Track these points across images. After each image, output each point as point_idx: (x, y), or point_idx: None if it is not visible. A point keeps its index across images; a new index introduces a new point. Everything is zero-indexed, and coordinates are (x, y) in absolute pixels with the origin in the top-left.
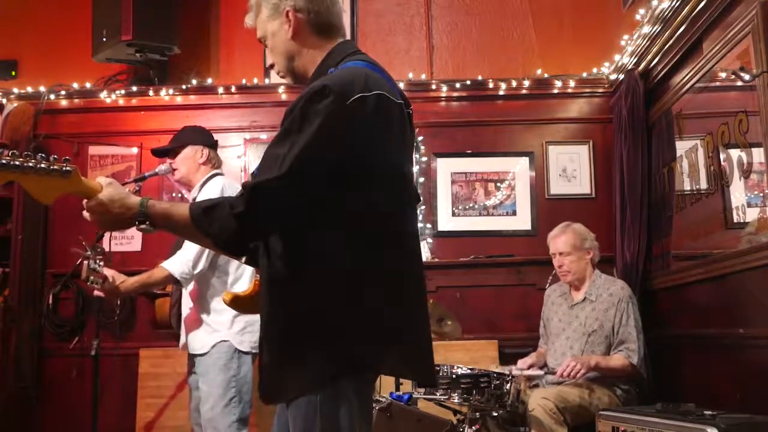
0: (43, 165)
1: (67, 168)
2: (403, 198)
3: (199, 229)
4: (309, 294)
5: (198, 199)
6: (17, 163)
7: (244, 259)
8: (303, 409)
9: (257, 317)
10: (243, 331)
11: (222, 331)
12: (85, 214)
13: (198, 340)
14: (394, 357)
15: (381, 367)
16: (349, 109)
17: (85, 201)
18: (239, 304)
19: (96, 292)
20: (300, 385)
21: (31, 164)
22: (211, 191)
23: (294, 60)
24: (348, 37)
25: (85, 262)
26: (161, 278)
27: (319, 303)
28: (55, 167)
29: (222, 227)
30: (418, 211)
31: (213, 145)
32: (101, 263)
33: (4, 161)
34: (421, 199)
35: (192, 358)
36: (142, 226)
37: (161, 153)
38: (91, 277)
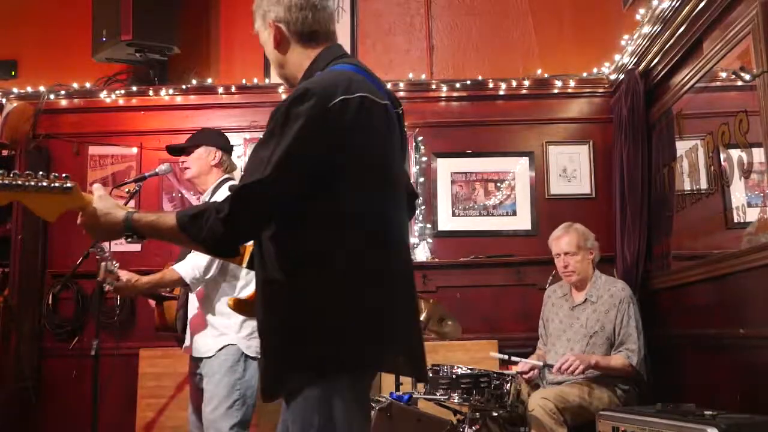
0: (44, 183)
1: (68, 185)
2: (391, 197)
3: (189, 236)
4: (300, 294)
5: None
6: (19, 182)
7: (245, 263)
8: (300, 407)
9: None
10: (250, 336)
11: (229, 335)
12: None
13: (204, 343)
14: (385, 354)
15: (374, 364)
16: (331, 111)
17: (80, 215)
18: (243, 307)
19: (107, 287)
20: (294, 381)
21: (32, 183)
22: (222, 196)
23: (283, 68)
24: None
25: (102, 263)
26: (172, 280)
27: (309, 302)
28: (56, 185)
29: (210, 232)
30: (416, 209)
31: (227, 149)
32: (116, 264)
33: (6, 182)
34: (419, 196)
35: (196, 360)
36: (129, 240)
37: (176, 151)
38: (108, 279)
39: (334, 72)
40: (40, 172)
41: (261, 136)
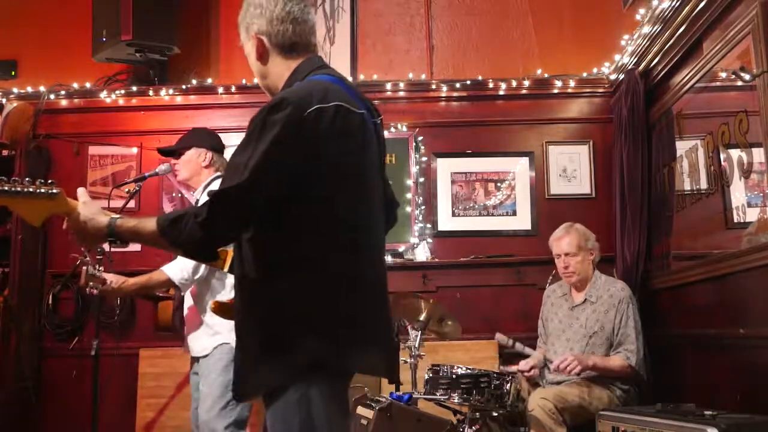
0: (30, 189)
1: (53, 190)
2: (366, 205)
3: (168, 240)
4: (277, 296)
5: (201, 201)
6: (6, 188)
7: (227, 267)
8: (281, 410)
9: None
10: None
11: (223, 334)
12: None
13: (199, 343)
14: (360, 355)
15: (350, 365)
16: (307, 120)
17: (65, 220)
18: (225, 311)
19: (90, 291)
20: (271, 382)
21: (18, 189)
22: None
23: (265, 78)
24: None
25: (84, 268)
26: (160, 282)
27: (286, 305)
28: (42, 190)
29: (189, 236)
30: (396, 217)
31: (218, 149)
32: (101, 268)
33: None
34: (400, 204)
35: (194, 359)
36: (112, 245)
37: (166, 153)
38: (90, 283)
39: (311, 82)
40: (26, 178)
41: (238, 144)
